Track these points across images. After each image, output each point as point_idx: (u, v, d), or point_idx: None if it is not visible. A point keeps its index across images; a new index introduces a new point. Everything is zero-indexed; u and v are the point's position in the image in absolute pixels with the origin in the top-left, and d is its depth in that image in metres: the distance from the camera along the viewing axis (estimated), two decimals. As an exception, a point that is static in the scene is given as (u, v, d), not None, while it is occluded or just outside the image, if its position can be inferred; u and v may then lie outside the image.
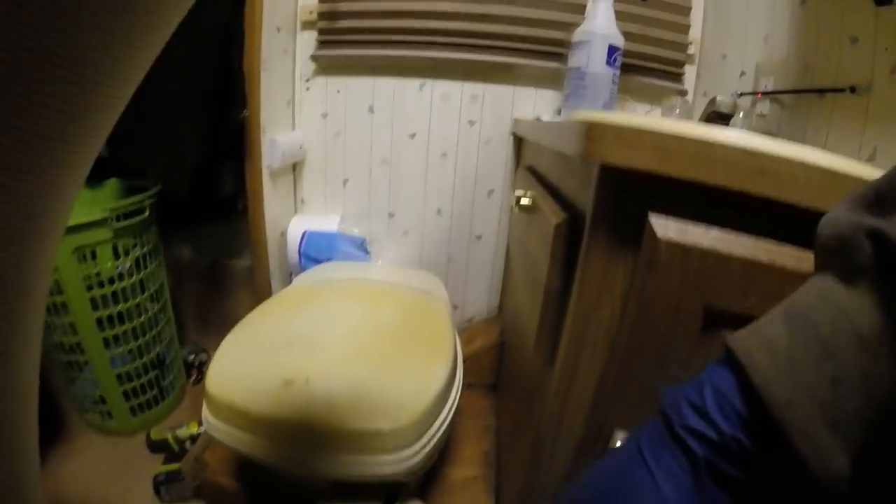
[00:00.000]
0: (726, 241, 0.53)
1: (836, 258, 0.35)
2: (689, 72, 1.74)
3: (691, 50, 1.71)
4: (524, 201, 0.97)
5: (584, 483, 0.45)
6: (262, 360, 1.16)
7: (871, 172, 0.49)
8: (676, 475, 0.37)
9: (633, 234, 0.58)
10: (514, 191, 1.03)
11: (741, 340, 0.37)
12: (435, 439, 1.06)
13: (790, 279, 0.51)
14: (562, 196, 0.86)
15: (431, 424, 1.06)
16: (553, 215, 0.77)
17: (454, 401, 1.17)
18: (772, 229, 0.54)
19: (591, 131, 0.56)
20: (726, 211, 0.55)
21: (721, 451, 0.35)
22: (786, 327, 0.35)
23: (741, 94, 1.42)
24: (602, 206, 0.61)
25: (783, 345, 0.35)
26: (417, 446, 1.02)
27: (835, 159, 0.51)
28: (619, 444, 0.50)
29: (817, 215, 0.49)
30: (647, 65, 1.65)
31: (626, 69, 1.53)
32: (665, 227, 0.55)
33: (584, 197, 0.66)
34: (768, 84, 1.39)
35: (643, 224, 0.57)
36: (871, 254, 0.32)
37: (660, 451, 0.39)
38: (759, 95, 1.37)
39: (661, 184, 0.55)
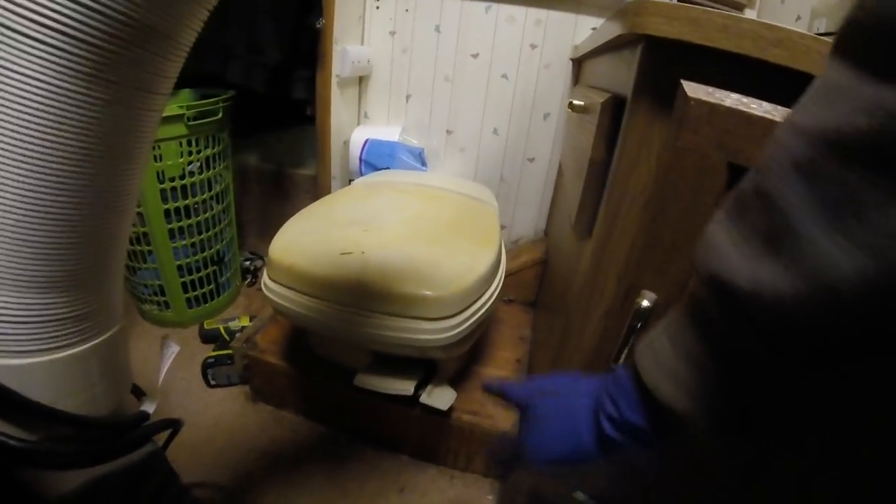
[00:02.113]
0: (748, 104, 0.60)
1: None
2: (749, 14, 1.74)
3: (752, -5, 1.72)
4: (577, 102, 1.04)
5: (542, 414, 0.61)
6: (321, 236, 1.25)
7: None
8: (597, 443, 0.52)
9: (668, 99, 0.65)
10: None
11: (640, 354, 0.50)
12: (474, 318, 1.14)
13: (805, 141, 0.57)
14: (609, 92, 0.92)
15: (472, 303, 1.14)
16: (601, 99, 0.85)
17: (495, 289, 1.24)
18: (788, 96, 0.60)
19: (637, 7, 0.65)
20: (749, 79, 0.61)
21: (622, 427, 0.50)
22: (667, 341, 0.47)
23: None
24: (644, 75, 0.68)
25: (664, 353, 0.47)
26: (457, 320, 1.10)
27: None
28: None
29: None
30: (708, 4, 1.66)
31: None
32: (695, 89, 0.61)
33: (629, 78, 0.73)
34: (821, 26, 1.41)
35: (677, 90, 0.64)
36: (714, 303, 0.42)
37: (592, 424, 0.53)
38: (812, 36, 1.39)
39: (693, 55, 0.62)
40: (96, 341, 0.69)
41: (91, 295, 0.66)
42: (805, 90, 0.38)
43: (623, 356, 0.74)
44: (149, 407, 0.85)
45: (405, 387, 1.23)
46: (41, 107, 0.50)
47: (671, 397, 0.45)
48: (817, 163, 0.32)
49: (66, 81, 0.50)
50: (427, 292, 1.07)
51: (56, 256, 0.59)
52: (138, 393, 0.88)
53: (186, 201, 1.69)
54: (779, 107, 0.59)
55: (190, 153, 1.65)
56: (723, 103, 0.60)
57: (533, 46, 1.83)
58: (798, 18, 1.55)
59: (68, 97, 0.51)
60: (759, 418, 0.43)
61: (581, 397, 0.56)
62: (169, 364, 0.91)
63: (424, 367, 1.31)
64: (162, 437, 0.92)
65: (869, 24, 0.32)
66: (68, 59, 0.49)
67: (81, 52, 0.50)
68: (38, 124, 0.51)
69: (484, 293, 1.18)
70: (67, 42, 0.49)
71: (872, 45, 0.31)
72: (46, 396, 0.63)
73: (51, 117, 0.51)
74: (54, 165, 0.53)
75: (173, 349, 0.92)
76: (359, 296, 1.10)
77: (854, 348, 0.34)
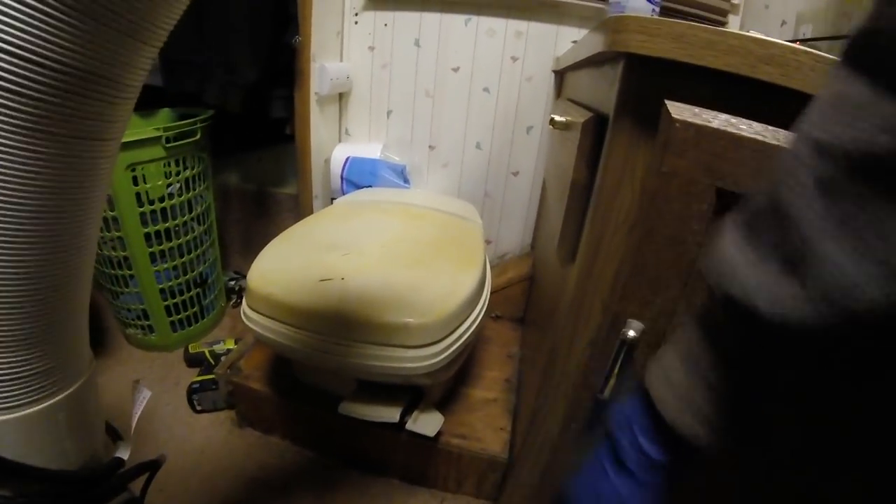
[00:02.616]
0: (737, 126, 0.57)
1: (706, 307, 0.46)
2: (733, 21, 1.72)
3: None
4: (558, 118, 1.02)
5: (570, 496, 0.59)
6: (301, 261, 1.23)
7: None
8: (628, 484, 0.50)
9: (652, 119, 0.63)
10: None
11: (651, 378, 0.49)
12: (458, 343, 1.12)
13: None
14: (592, 109, 0.90)
15: (456, 328, 1.12)
16: (582, 118, 0.83)
17: (480, 312, 1.22)
18: (780, 116, 0.57)
19: (617, 23, 0.63)
20: (737, 98, 0.59)
21: (648, 464, 0.49)
22: (680, 365, 0.46)
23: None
24: (625, 95, 0.66)
25: (679, 381, 0.46)
26: (441, 346, 1.08)
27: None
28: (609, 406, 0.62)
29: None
30: (691, 10, 1.62)
31: (669, 13, 1.50)
32: (680, 110, 0.59)
33: (611, 96, 0.71)
34: (806, 32, 1.40)
35: (661, 110, 0.61)
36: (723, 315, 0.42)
37: (614, 466, 0.52)
38: (798, 44, 1.38)
39: (678, 72, 0.60)
40: (61, 396, 0.68)
41: (53, 350, 0.65)
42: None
43: (609, 388, 0.71)
44: (123, 453, 0.84)
45: (390, 414, 1.21)
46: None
47: (686, 424, 0.45)
48: (837, 180, 0.32)
49: (6, 137, 0.48)
50: (409, 319, 1.05)
51: (9, 316, 0.57)
52: (115, 436, 0.87)
53: (167, 224, 1.67)
54: (770, 127, 0.57)
55: (168, 175, 1.63)
56: (709, 125, 0.58)
57: (514, 59, 1.81)
58: (783, 24, 1.54)
59: (10, 153, 0.49)
60: (774, 437, 0.44)
61: (595, 454, 0.56)
62: (141, 409, 0.89)
63: (410, 392, 1.29)
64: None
65: (887, 36, 0.31)
66: (7, 114, 0.47)
67: (21, 106, 0.47)
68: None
69: (468, 316, 1.16)
70: (4, 96, 0.46)
71: (891, 59, 0.30)
72: (15, 453, 0.63)
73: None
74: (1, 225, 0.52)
75: (145, 394, 0.91)
76: (339, 324, 1.08)
77: (872, 366, 0.35)
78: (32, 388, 0.63)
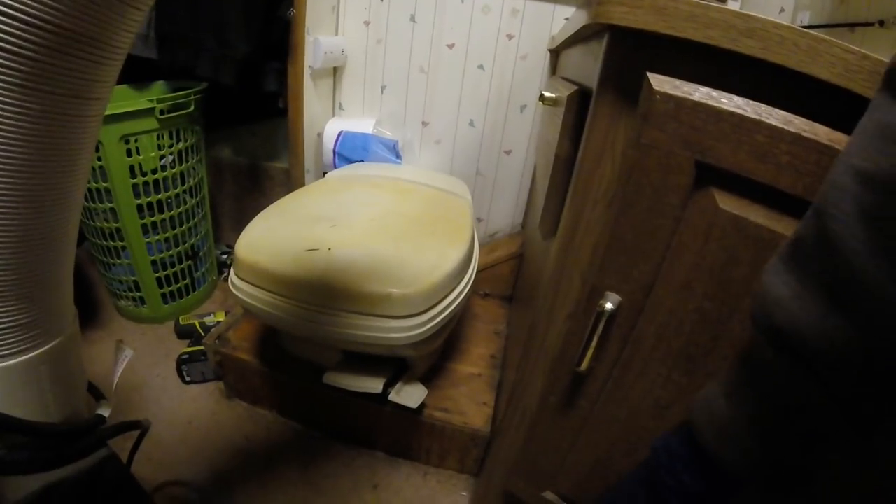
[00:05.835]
0: (718, 99, 0.57)
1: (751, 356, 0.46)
2: (731, 7, 1.70)
3: (736, -13, 1.68)
4: (548, 94, 1.01)
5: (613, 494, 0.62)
6: (289, 231, 1.23)
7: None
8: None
9: (634, 93, 0.63)
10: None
11: (696, 414, 0.50)
12: (442, 315, 1.12)
13: (778, 137, 0.54)
14: (579, 85, 0.90)
15: (440, 301, 1.13)
16: (568, 91, 0.82)
17: (465, 286, 1.23)
18: (761, 91, 0.58)
19: (599, -5, 0.62)
20: (719, 72, 0.59)
21: (682, 492, 0.49)
22: (725, 402, 0.47)
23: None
24: (609, 68, 0.66)
25: (724, 417, 0.46)
26: (424, 318, 1.09)
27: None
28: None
29: (803, 78, 0.53)
30: None
31: None
32: (661, 82, 0.59)
33: (596, 70, 0.70)
34: (804, 19, 1.39)
35: (643, 83, 0.61)
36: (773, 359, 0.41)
37: (649, 490, 0.54)
38: (794, 30, 1.37)
39: (661, 45, 0.60)
40: (44, 348, 0.69)
41: (36, 303, 0.66)
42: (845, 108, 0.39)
43: (586, 360, 0.72)
44: (104, 411, 0.85)
45: (374, 385, 1.21)
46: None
47: (724, 456, 0.45)
48: (879, 207, 0.32)
49: None
50: (393, 290, 1.05)
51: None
52: (98, 395, 0.88)
53: (159, 196, 1.67)
54: (751, 101, 0.57)
55: (161, 147, 1.63)
56: (690, 97, 0.58)
57: (510, 37, 1.80)
58: (781, 11, 1.53)
59: (2, 109, 0.50)
60: (818, 474, 0.43)
61: (633, 474, 0.58)
62: (122, 368, 0.90)
63: (395, 364, 1.30)
64: (132, 440, 0.93)
65: None
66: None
67: (11, 63, 0.49)
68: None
69: (452, 290, 1.17)
70: (-2, 54, 0.48)
71: None
72: (-3, 405, 0.64)
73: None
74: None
75: (126, 353, 0.91)
76: (324, 294, 1.08)
77: None
78: (15, 339, 0.64)
